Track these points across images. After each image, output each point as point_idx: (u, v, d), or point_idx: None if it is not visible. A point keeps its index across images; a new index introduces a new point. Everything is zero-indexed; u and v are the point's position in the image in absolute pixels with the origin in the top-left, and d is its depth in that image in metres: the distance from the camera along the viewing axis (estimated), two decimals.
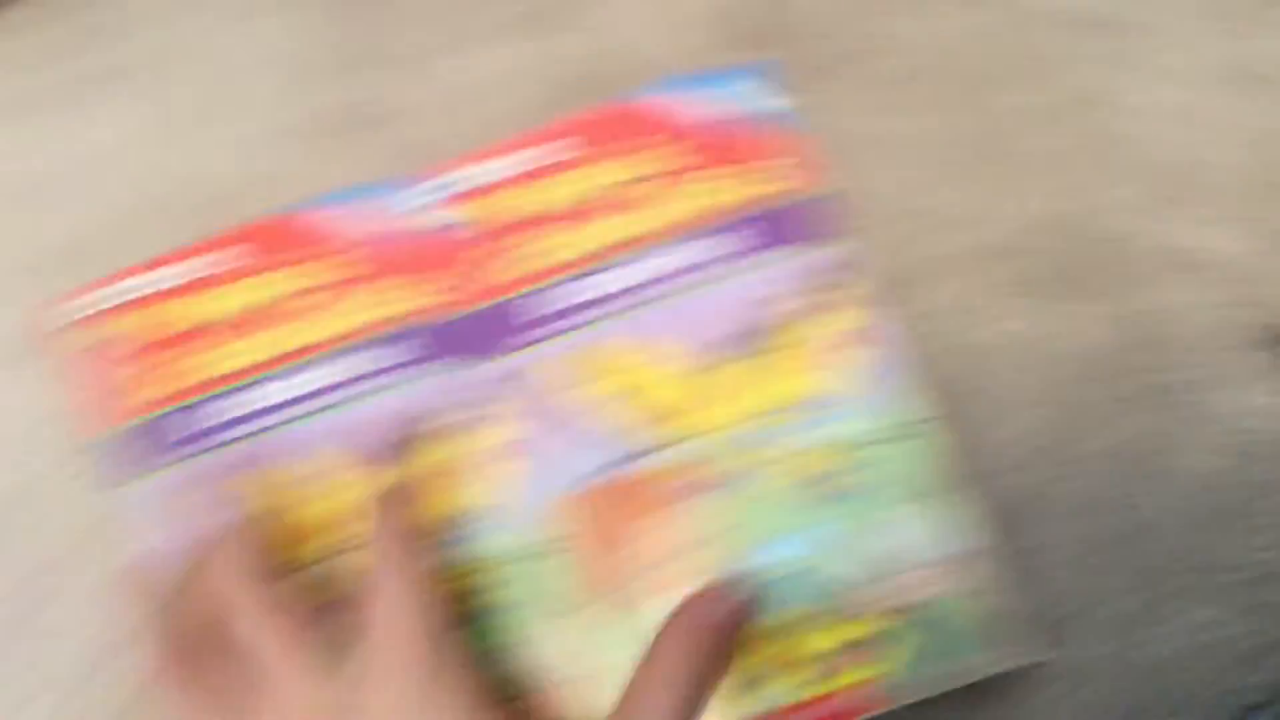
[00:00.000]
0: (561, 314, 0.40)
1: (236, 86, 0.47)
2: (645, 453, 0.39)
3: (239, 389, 0.40)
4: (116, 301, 0.41)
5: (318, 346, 0.40)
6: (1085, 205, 0.43)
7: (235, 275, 0.41)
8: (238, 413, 0.40)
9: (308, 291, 0.40)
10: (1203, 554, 0.40)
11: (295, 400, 0.40)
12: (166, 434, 0.40)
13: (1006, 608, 0.37)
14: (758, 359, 0.40)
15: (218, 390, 0.40)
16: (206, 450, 0.39)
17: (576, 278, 0.40)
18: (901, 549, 0.38)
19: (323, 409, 0.40)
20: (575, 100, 0.43)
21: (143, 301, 0.41)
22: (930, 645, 0.37)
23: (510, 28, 0.47)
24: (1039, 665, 0.38)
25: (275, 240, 0.41)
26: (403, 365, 0.40)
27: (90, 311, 0.41)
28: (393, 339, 0.40)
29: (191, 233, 0.43)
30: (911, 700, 0.37)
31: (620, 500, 0.39)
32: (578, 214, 0.41)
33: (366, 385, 0.39)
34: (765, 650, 0.37)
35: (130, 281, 0.41)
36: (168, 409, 0.40)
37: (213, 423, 0.40)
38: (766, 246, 0.40)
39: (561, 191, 0.41)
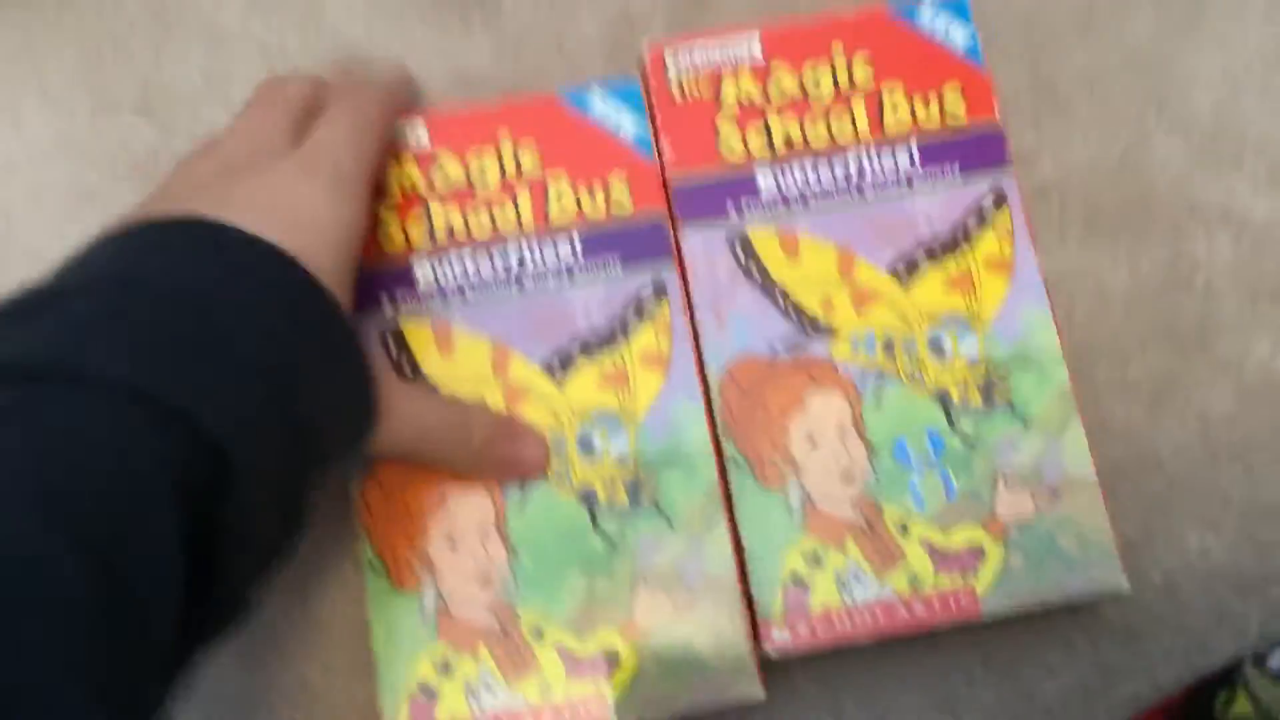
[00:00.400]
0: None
1: None
2: (801, 342, 0.42)
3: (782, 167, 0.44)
4: (726, 57, 0.44)
5: (851, 141, 0.44)
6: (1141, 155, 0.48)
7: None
8: (779, 188, 0.44)
9: None
10: (1204, 488, 0.44)
11: (822, 188, 0.44)
12: (735, 191, 0.43)
13: (1100, 538, 0.41)
14: (918, 272, 0.43)
15: (775, 165, 0.44)
16: (752, 215, 0.43)
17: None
18: (1012, 469, 0.41)
19: (839, 202, 0.44)
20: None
21: (744, 66, 0.44)
22: (1021, 565, 0.40)
23: None
24: (1117, 594, 0.41)
25: None
26: None
27: (699, 63, 0.44)
28: None
29: None
30: (998, 615, 0.40)
31: (780, 378, 0.42)
32: (823, 107, 0.44)
33: None
34: (864, 546, 0.41)
35: (736, 40, 0.44)
36: (745, 168, 0.44)
37: (765, 190, 0.44)
38: (940, 167, 0.43)
39: (820, 79, 0.45)
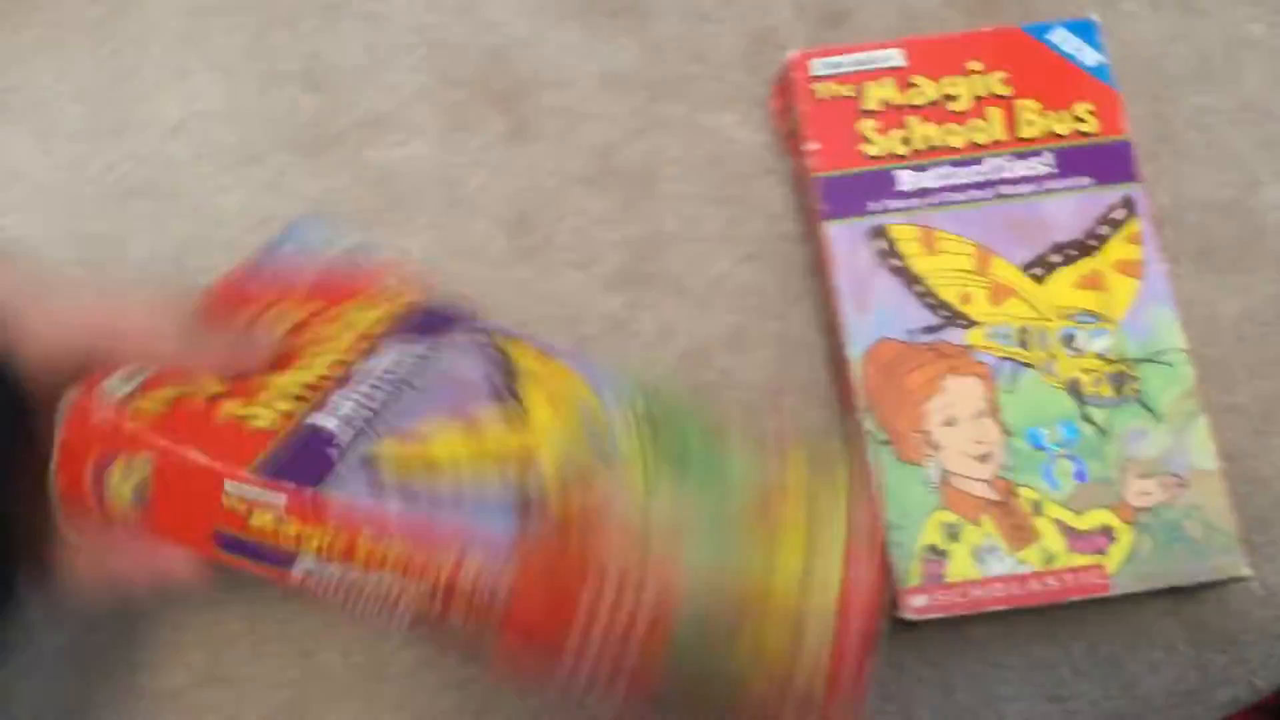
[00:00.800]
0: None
1: None
2: (939, 329, 0.44)
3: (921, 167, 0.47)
4: (867, 67, 0.47)
5: (988, 146, 0.47)
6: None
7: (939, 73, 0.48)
8: (918, 185, 0.46)
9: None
10: None
11: (958, 187, 0.46)
12: (876, 187, 0.46)
13: (1224, 526, 0.42)
14: (1052, 271, 0.45)
15: (914, 164, 0.47)
16: (891, 211, 0.46)
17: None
18: (1142, 458, 0.43)
19: (975, 201, 0.46)
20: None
21: (885, 74, 0.47)
22: (1149, 547, 0.42)
23: None
24: (1240, 580, 0.43)
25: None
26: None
27: (843, 71, 0.47)
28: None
29: None
30: (1126, 591, 0.42)
31: (919, 362, 0.44)
32: (961, 114, 0.47)
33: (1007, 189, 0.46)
34: (999, 522, 0.42)
35: (877, 53, 0.47)
36: (885, 166, 0.46)
37: (904, 188, 0.46)
38: (1073, 176, 0.46)
39: (958, 89, 0.48)
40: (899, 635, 0.45)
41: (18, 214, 0.50)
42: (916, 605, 0.42)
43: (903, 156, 0.47)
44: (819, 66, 0.48)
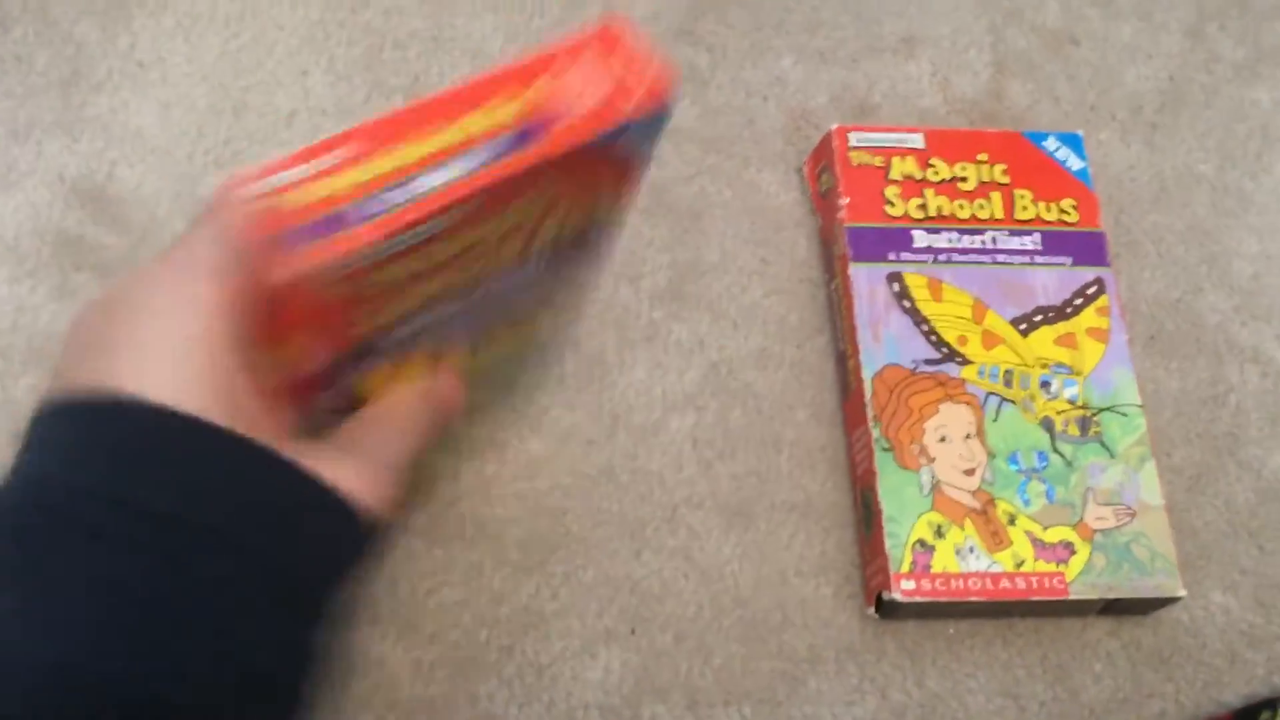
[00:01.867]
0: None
1: None
2: (939, 362, 0.52)
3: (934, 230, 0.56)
4: (894, 145, 0.57)
5: (989, 222, 0.56)
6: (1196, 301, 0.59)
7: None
8: (929, 244, 0.56)
9: None
10: (1227, 559, 0.55)
11: (963, 250, 0.56)
12: (895, 241, 0.55)
13: (1165, 553, 0.50)
14: (1035, 328, 0.53)
15: (927, 227, 0.56)
16: (906, 261, 0.55)
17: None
18: (1100, 489, 0.51)
19: (976, 263, 0.55)
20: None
21: (909, 152, 0.57)
22: (1103, 563, 0.49)
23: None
24: (1175, 600, 0.50)
25: None
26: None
27: (875, 144, 0.57)
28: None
29: None
30: (1081, 597, 0.49)
31: (921, 387, 0.52)
32: (968, 193, 0.57)
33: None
34: (979, 527, 0.49)
35: (904, 135, 0.58)
36: (904, 225, 0.56)
37: (918, 245, 0.55)
38: (1056, 255, 0.55)
39: (967, 173, 0.57)
40: (883, 624, 0.51)
41: (131, 168, 0.55)
42: (906, 589, 0.48)
43: (919, 220, 0.55)
44: (855, 139, 0.56)
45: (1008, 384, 0.52)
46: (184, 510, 0.29)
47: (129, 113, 0.56)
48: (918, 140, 0.57)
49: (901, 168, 0.56)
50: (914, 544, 0.49)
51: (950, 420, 0.51)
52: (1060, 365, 0.53)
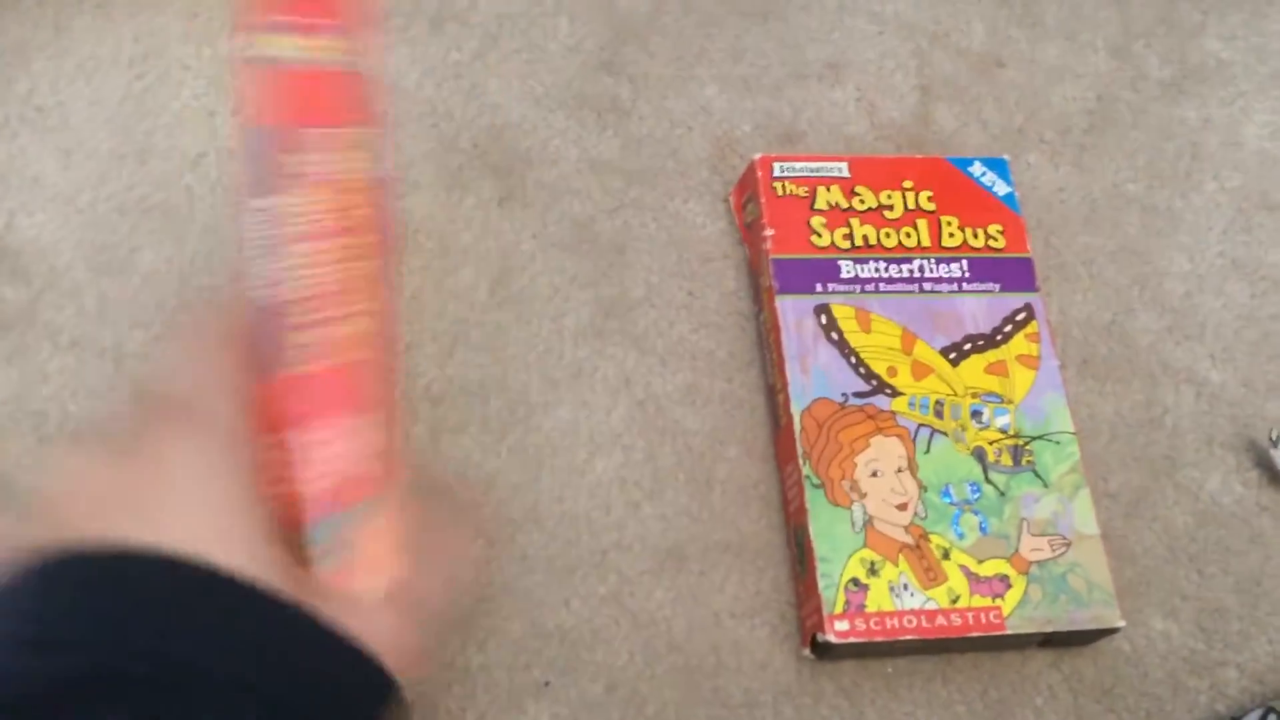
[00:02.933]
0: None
1: None
2: (868, 394, 0.51)
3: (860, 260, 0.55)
4: (819, 174, 0.56)
5: (916, 250, 0.56)
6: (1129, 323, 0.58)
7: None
8: (856, 274, 0.54)
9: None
10: (1167, 584, 0.54)
11: (890, 280, 0.55)
12: (822, 272, 0.54)
13: (1102, 583, 0.49)
14: (965, 356, 0.52)
15: (854, 257, 0.55)
16: (834, 293, 0.54)
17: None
18: (1034, 519, 0.50)
19: (904, 292, 0.54)
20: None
21: (834, 181, 0.57)
22: (1039, 595, 0.48)
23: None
24: (1114, 630, 0.49)
25: None
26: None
27: (799, 174, 0.56)
28: None
29: None
30: (1018, 631, 0.48)
31: (851, 421, 0.50)
32: (894, 221, 0.56)
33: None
34: (913, 563, 0.48)
35: (828, 164, 0.57)
36: (831, 256, 0.55)
37: (845, 275, 0.54)
38: (984, 282, 0.54)
39: (893, 201, 0.57)
40: (819, 665, 0.50)
41: (30, 216, 0.53)
42: (840, 630, 0.47)
43: (845, 250, 0.54)
44: (779, 169, 0.55)
45: (939, 415, 0.51)
46: (243, 671, 0.29)
47: (27, 159, 0.54)
48: (843, 169, 0.56)
49: (827, 197, 0.55)
50: (847, 583, 0.48)
51: (881, 454, 0.50)
52: (991, 394, 0.52)
